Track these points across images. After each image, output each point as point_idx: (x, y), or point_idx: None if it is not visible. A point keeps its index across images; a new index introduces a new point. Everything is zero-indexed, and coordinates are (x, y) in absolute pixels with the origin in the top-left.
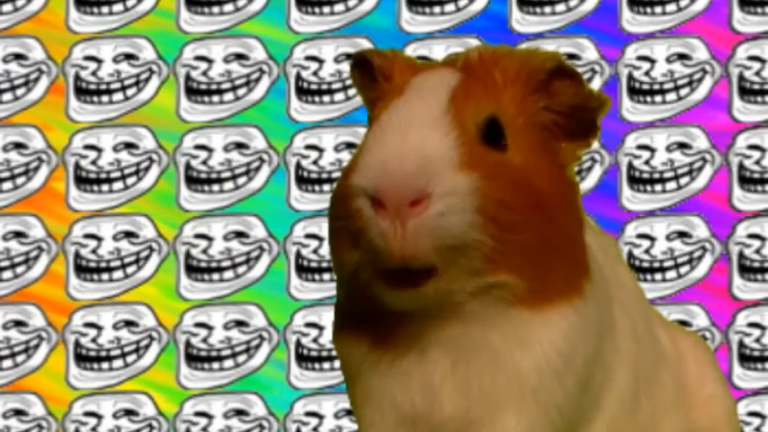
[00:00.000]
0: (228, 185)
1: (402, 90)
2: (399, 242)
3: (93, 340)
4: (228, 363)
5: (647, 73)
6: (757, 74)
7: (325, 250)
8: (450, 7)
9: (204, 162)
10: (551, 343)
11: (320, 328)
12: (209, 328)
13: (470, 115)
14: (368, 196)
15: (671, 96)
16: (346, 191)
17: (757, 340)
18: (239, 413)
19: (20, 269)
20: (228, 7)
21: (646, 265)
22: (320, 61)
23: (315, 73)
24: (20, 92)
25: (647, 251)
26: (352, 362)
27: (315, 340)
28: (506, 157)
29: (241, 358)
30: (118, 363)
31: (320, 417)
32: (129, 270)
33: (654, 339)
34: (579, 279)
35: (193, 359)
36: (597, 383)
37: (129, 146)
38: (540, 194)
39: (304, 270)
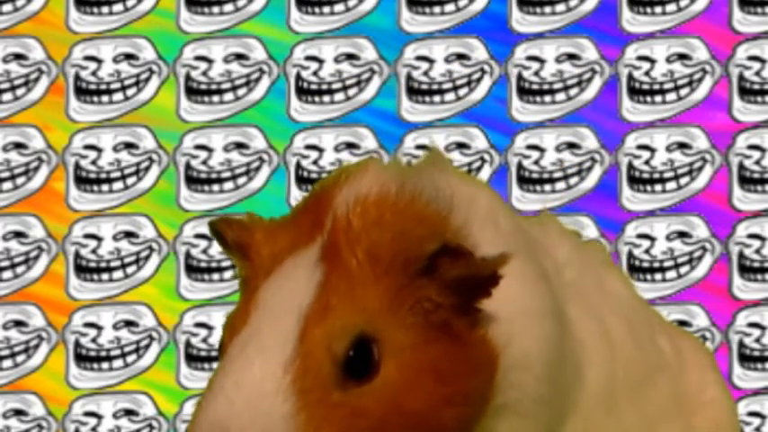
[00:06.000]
0: (228, 185)
1: (255, 293)
2: None
3: (93, 340)
4: None
5: (647, 73)
6: (757, 74)
7: None
8: (450, 7)
9: (204, 162)
10: None
11: None
12: (210, 328)
13: (325, 345)
14: None
15: (671, 96)
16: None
17: (757, 340)
18: None
19: (20, 269)
20: (228, 7)
21: (646, 265)
22: (320, 61)
23: (315, 73)
24: (20, 92)
25: (647, 251)
26: None
27: None
28: (372, 389)
29: None
30: (118, 363)
31: None
32: (129, 270)
33: (651, 344)
34: None
35: (193, 359)
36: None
37: (129, 146)
38: (418, 417)
39: None
